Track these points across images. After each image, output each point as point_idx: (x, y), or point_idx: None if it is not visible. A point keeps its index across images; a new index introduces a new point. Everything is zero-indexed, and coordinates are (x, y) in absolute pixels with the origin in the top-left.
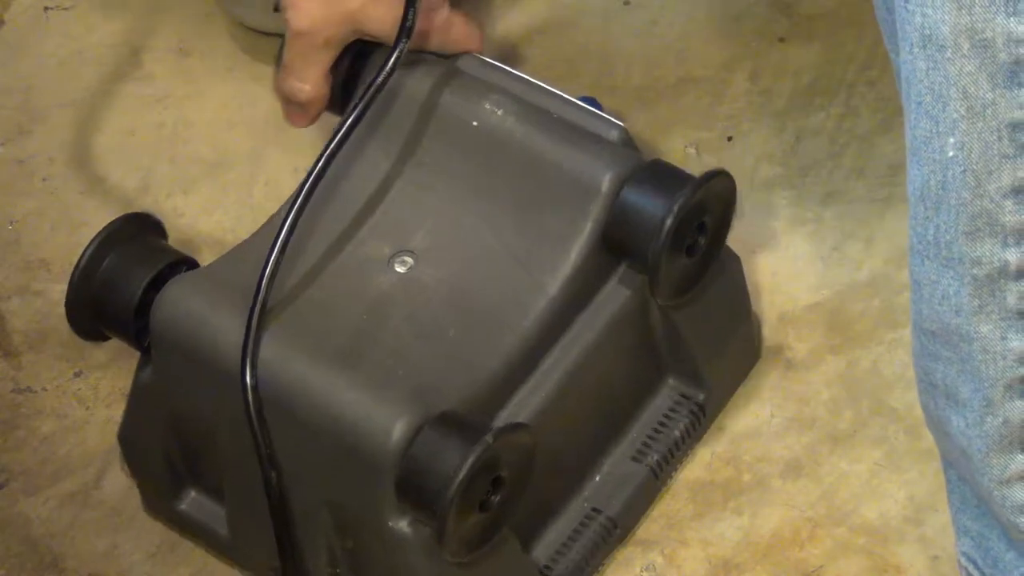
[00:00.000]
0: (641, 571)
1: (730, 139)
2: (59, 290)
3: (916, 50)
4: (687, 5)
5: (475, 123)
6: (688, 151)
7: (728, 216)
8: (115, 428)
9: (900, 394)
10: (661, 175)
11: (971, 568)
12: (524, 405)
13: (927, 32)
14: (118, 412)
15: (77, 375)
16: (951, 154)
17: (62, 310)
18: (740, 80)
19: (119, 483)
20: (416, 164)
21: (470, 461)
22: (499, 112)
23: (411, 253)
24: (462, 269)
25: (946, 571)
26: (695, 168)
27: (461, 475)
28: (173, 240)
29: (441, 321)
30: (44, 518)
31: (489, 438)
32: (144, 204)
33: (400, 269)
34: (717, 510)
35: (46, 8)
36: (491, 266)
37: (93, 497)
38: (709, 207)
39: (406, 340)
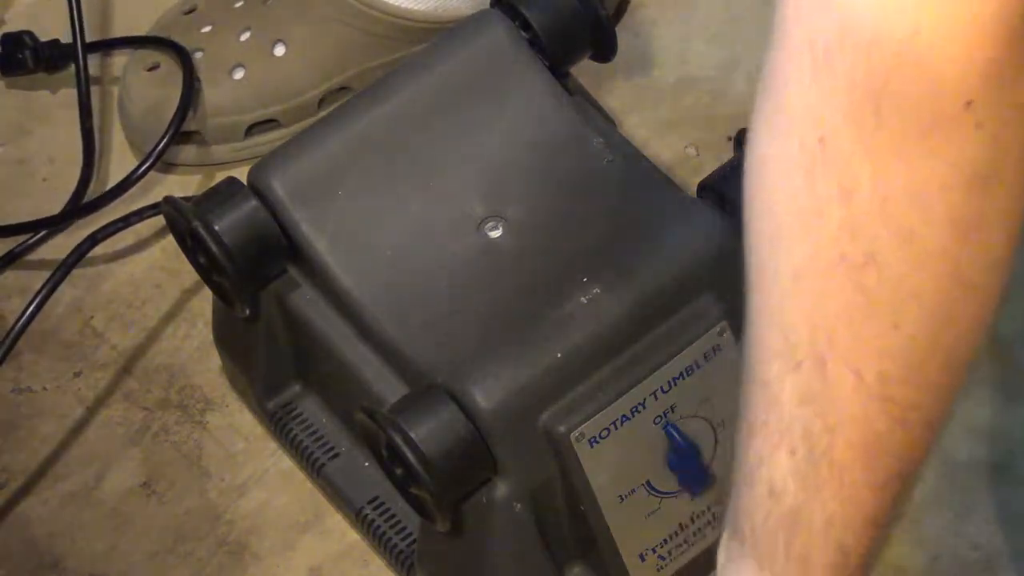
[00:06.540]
0: None
1: (730, 139)
2: (58, 289)
3: None
4: (687, 5)
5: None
6: (688, 151)
7: None
8: (115, 428)
9: None
10: None
11: None
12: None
13: None
14: (118, 412)
15: (77, 375)
16: None
17: (62, 310)
18: (740, 80)
19: (119, 483)
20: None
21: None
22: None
23: (504, 220)
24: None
25: (946, 571)
26: (695, 168)
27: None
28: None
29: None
30: (44, 518)
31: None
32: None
33: (492, 235)
34: None
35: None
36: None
37: (93, 497)
38: None
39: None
